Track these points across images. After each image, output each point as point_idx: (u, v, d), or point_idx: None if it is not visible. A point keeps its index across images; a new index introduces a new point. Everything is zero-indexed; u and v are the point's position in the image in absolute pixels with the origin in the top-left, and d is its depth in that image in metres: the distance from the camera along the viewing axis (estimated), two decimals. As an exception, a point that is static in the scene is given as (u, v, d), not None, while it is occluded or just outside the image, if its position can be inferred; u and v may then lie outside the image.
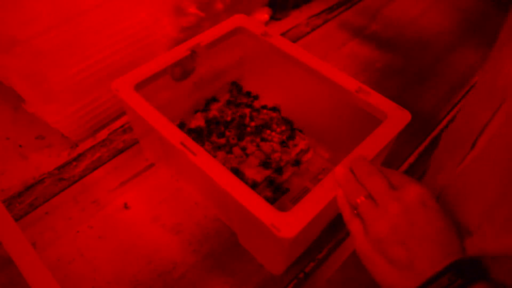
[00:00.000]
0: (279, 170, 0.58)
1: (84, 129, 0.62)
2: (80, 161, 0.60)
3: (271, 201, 0.55)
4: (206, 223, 0.54)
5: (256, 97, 0.67)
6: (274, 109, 0.65)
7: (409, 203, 0.34)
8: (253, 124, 0.63)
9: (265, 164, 0.57)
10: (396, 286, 0.33)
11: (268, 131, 0.62)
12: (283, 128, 0.63)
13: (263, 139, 0.61)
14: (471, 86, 0.75)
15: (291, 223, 0.38)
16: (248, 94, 0.68)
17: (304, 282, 0.50)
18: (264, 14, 0.82)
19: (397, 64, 0.78)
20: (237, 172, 0.57)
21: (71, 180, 0.58)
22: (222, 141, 0.61)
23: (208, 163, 0.43)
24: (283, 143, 0.61)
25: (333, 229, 0.54)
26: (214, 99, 0.67)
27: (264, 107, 0.66)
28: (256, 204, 0.39)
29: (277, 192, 0.56)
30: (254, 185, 0.56)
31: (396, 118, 0.47)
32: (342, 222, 0.54)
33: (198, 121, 0.63)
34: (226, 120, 0.63)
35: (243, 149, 0.60)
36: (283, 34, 0.82)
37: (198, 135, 0.61)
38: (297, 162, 0.58)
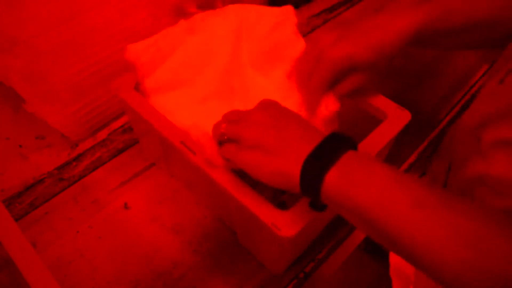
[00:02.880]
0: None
1: (84, 129, 0.62)
2: (80, 161, 0.60)
3: (271, 200, 0.55)
4: (206, 223, 0.54)
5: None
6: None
7: (263, 106, 0.40)
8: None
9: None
10: (284, 167, 0.36)
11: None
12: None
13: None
14: (471, 86, 0.75)
15: (291, 222, 0.38)
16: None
17: (304, 282, 0.50)
18: (264, 14, 0.82)
19: (397, 64, 0.78)
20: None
21: (71, 180, 0.58)
22: (222, 141, 0.61)
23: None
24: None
25: (333, 229, 0.54)
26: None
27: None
28: (256, 203, 0.39)
29: (277, 191, 0.56)
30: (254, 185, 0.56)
31: (396, 118, 0.47)
32: (342, 222, 0.54)
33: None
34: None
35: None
36: (283, 34, 0.82)
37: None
38: None
